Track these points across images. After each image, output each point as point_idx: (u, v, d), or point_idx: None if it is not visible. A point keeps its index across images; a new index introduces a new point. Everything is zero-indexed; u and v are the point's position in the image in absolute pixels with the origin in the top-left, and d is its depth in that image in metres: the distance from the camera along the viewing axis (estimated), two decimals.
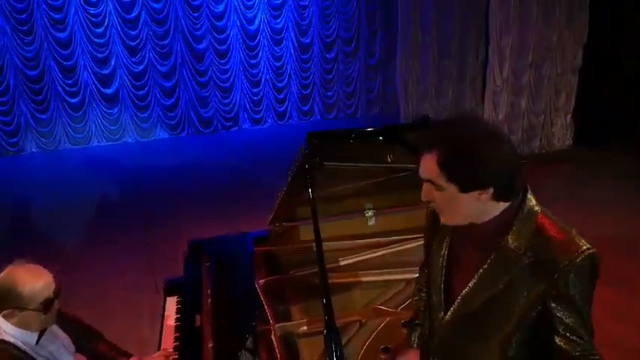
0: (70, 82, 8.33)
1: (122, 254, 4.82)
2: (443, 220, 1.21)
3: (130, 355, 1.98)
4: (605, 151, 6.91)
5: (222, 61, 9.19)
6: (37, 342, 1.69)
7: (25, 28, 7.86)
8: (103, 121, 8.73)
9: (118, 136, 8.87)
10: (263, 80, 9.60)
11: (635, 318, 3.48)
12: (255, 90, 9.59)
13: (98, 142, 8.79)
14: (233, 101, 9.47)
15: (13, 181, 7.31)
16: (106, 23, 8.26)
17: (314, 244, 1.67)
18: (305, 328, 1.93)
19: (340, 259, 2.40)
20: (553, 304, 1.09)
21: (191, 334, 1.89)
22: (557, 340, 1.10)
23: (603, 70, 6.93)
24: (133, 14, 8.38)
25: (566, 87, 7.14)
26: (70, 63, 8.25)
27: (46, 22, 7.96)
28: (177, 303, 2.28)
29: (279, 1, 9.26)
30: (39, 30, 7.95)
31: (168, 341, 2.05)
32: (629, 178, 6.03)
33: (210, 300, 2.05)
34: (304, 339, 1.90)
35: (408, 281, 2.23)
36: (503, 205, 1.15)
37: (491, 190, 1.11)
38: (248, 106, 9.63)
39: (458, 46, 8.72)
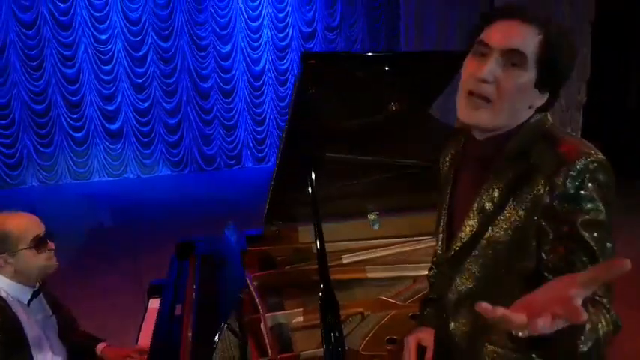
0: (75, 116, 8.38)
1: (115, 288, 4.62)
2: (481, 116, 0.97)
3: (99, 340, 1.88)
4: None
5: (227, 100, 9.28)
6: (29, 303, 1.60)
7: (35, 63, 8.01)
8: (106, 157, 8.70)
9: (119, 172, 8.81)
10: (267, 119, 9.64)
11: None
12: (259, 129, 9.62)
13: (99, 177, 8.72)
14: (237, 140, 9.47)
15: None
16: (114, 60, 8.42)
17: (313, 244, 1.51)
18: (299, 319, 1.72)
19: (343, 256, 2.21)
20: (550, 208, 0.93)
21: (169, 321, 1.68)
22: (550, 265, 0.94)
23: (608, 106, 6.89)
24: (142, 52, 8.55)
25: (572, 123, 7.08)
26: (76, 98, 8.34)
27: (55, 59, 8.11)
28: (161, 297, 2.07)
29: (284, 43, 9.47)
30: (48, 66, 8.09)
31: (146, 334, 1.84)
32: (636, 214, 5.85)
33: (194, 293, 1.85)
34: (298, 332, 1.69)
35: (416, 278, 2.03)
36: (519, 121, 1.02)
37: (546, 97, 0.99)
38: (251, 145, 9.62)
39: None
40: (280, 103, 9.68)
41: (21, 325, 1.55)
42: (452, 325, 1.15)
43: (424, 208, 2.35)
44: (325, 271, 1.33)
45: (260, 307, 1.73)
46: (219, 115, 9.27)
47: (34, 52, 7.98)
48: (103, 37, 8.29)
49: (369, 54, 1.34)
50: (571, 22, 6.46)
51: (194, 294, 1.81)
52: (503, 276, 1.02)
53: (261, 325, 1.63)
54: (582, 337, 0.81)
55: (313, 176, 1.60)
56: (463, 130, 1.16)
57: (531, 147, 0.98)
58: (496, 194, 1.01)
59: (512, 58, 0.95)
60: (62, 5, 7.98)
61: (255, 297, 1.78)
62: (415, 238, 2.34)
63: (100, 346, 1.86)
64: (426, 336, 1.26)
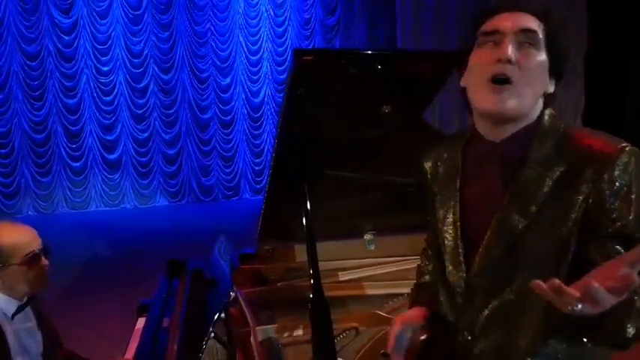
0: (74, 146, 8.42)
1: (107, 317, 4.51)
2: (508, 100, 0.93)
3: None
4: None
5: (226, 131, 9.35)
6: (13, 317, 1.52)
7: (37, 94, 8.12)
8: (104, 186, 8.69)
9: (117, 202, 8.78)
10: (266, 151, 9.69)
11: None
12: (257, 160, 9.65)
13: (96, 206, 8.68)
14: (235, 170, 9.48)
15: None
16: (115, 91, 8.53)
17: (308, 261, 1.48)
18: (290, 333, 1.66)
19: (339, 273, 2.16)
20: (599, 206, 0.90)
21: (155, 333, 1.62)
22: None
23: (607, 105, 6.89)
24: (143, 84, 8.67)
25: (571, 122, 7.12)
26: (76, 128, 8.40)
27: (57, 89, 8.22)
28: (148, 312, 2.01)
29: (283, 77, 9.62)
30: (50, 96, 8.19)
31: (132, 348, 1.77)
32: None
33: (183, 305, 1.80)
34: (290, 347, 1.63)
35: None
36: (535, 114, 1.00)
37: (553, 86, 1.00)
38: (250, 176, 9.63)
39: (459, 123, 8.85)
40: None
41: (4, 338, 1.49)
42: (479, 345, 1.03)
43: (420, 227, 2.32)
44: (317, 275, 1.29)
45: (250, 321, 1.67)
46: (218, 147, 9.32)
47: (36, 82, 8.10)
48: (105, 68, 8.43)
49: (363, 51, 1.35)
50: (569, 22, 6.59)
51: (182, 308, 1.76)
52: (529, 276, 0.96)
53: (251, 339, 1.57)
54: (630, 322, 0.81)
55: (306, 187, 1.59)
56: (463, 133, 1.12)
57: (560, 147, 0.96)
58: (531, 200, 0.95)
59: (527, 37, 0.95)
60: (66, 38, 8.16)
61: (246, 311, 1.73)
62: (411, 257, 2.29)
63: None
64: (417, 314, 1.16)
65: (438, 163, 1.14)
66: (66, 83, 8.28)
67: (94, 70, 8.38)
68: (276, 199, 1.98)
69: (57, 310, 4.53)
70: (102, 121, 8.52)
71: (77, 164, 8.48)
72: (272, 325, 1.67)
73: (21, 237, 1.53)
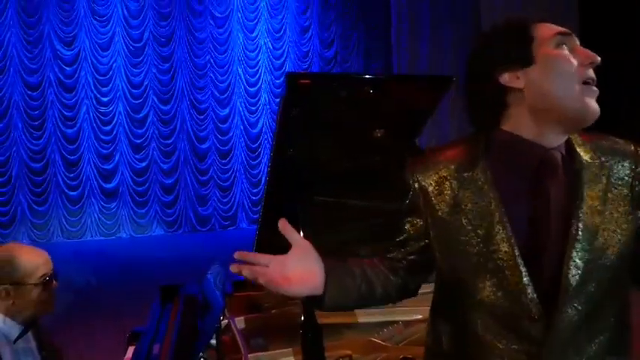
0: (71, 175, 8.43)
1: (106, 342, 4.45)
2: (596, 105, 0.92)
3: None
4: None
5: (223, 161, 9.39)
6: (15, 341, 1.52)
7: (37, 123, 8.19)
8: (100, 216, 8.65)
9: (113, 231, 8.73)
10: (263, 181, 9.69)
11: None
12: (255, 190, 9.66)
13: (92, 236, 8.63)
14: (232, 200, 9.48)
15: None
16: (114, 122, 8.61)
17: None
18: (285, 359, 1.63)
19: None
20: None
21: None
22: None
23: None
24: (142, 114, 8.77)
25: None
26: (74, 157, 8.44)
27: (57, 119, 8.30)
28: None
29: None
30: (49, 125, 8.26)
31: None
32: None
33: (174, 332, 1.77)
34: None
35: (407, 323, 1.95)
36: None
37: None
38: (247, 206, 9.61)
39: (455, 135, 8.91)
40: None
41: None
42: None
43: None
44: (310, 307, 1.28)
45: (242, 348, 1.65)
46: (216, 176, 9.34)
47: (36, 112, 8.18)
48: (105, 99, 8.54)
49: (355, 75, 1.38)
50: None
51: (173, 335, 1.73)
52: (609, 295, 0.94)
53: None
54: None
55: (299, 212, 1.59)
56: (464, 145, 1.03)
57: (595, 147, 0.98)
58: (598, 207, 0.93)
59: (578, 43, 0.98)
60: (68, 69, 8.29)
61: (238, 339, 1.70)
62: None
63: None
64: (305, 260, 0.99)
65: (447, 180, 1.00)
66: (66, 113, 8.36)
67: (94, 101, 8.48)
68: (269, 224, 1.98)
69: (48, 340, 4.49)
70: (100, 150, 8.57)
71: (74, 193, 8.48)
72: (264, 353, 1.64)
73: (39, 258, 1.57)
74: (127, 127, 8.71)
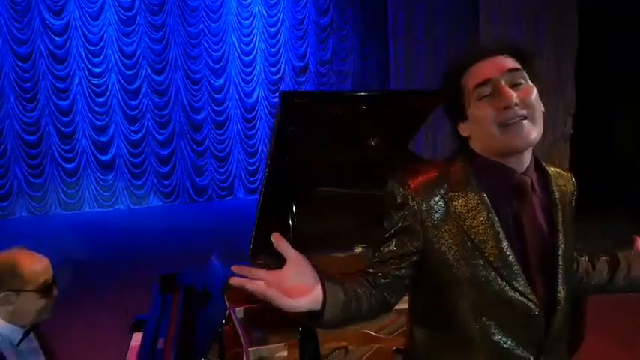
0: (67, 147, 8.41)
1: (105, 318, 4.49)
2: (526, 133, 0.99)
3: None
4: (603, 221, 6.80)
5: (219, 132, 9.36)
6: (18, 344, 1.55)
7: (29, 95, 8.09)
8: (97, 188, 8.69)
9: (110, 203, 8.79)
10: (259, 151, 9.72)
11: None
12: (251, 160, 9.68)
13: (90, 208, 8.69)
14: (229, 171, 9.51)
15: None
16: (108, 93, 8.52)
17: None
18: (282, 353, 1.71)
19: None
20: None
21: (153, 354, 1.67)
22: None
23: (593, 139, 7.03)
24: (135, 85, 8.66)
25: (561, 155, 7.21)
26: (69, 129, 8.39)
27: (49, 91, 8.20)
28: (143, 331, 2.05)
29: (276, 77, 9.64)
30: (42, 97, 8.17)
31: None
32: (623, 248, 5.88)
33: (177, 325, 1.84)
34: None
35: (399, 312, 2.03)
36: None
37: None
38: (243, 176, 9.66)
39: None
40: None
41: None
42: None
43: None
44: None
45: (243, 341, 1.72)
46: (212, 147, 9.34)
47: (28, 84, 8.07)
48: (98, 70, 8.41)
49: (347, 93, 1.39)
50: (555, 57, 6.69)
51: (176, 328, 1.81)
52: (570, 296, 1.11)
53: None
54: None
55: (294, 209, 1.63)
56: (455, 167, 1.08)
57: (552, 173, 1.14)
58: (566, 230, 1.09)
59: (515, 77, 1.02)
60: (58, 39, 8.12)
61: (239, 330, 1.77)
62: None
63: None
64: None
65: (444, 200, 1.05)
66: (58, 85, 8.25)
67: (86, 72, 8.36)
68: (266, 218, 2.03)
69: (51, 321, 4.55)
70: (95, 122, 8.51)
71: (70, 166, 8.48)
72: (264, 346, 1.72)
73: (39, 266, 1.57)
74: (120, 98, 8.62)
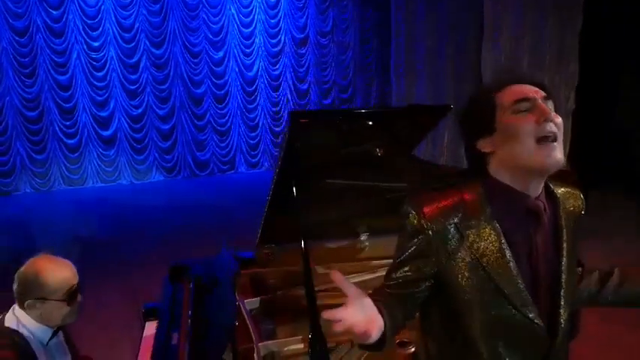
0: (68, 123, 8.39)
1: (110, 297, 4.59)
2: (557, 154, 1.04)
3: None
4: (602, 196, 6.88)
5: (220, 106, 9.32)
6: (47, 343, 1.65)
7: (28, 70, 8.02)
8: (99, 163, 8.72)
9: (113, 178, 8.84)
10: (260, 124, 9.70)
11: None
12: (252, 134, 9.67)
13: (93, 183, 8.75)
14: (230, 145, 9.52)
15: (3, 220, 7.20)
16: (107, 67, 8.44)
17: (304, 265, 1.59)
18: (291, 347, 1.79)
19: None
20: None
21: (167, 350, 1.75)
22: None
23: (597, 113, 7.01)
24: (134, 59, 8.57)
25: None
26: (69, 105, 8.35)
27: (48, 65, 8.12)
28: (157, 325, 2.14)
29: (276, 49, 9.52)
30: (41, 72, 8.10)
31: (144, 355, 1.91)
32: (628, 223, 5.96)
33: (189, 320, 1.92)
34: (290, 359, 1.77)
35: None
36: None
37: None
38: (245, 150, 9.68)
39: (453, 97, 8.90)
40: (273, 108, 9.75)
41: None
42: None
43: None
44: (314, 308, 1.40)
45: (253, 336, 1.80)
46: (213, 121, 9.32)
47: (26, 59, 7.98)
48: (96, 44, 8.30)
49: (353, 110, 1.42)
50: (559, 30, 6.60)
51: (189, 322, 1.88)
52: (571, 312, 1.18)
53: (255, 355, 1.70)
54: None
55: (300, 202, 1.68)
56: (467, 192, 1.12)
57: (561, 194, 1.19)
58: (570, 248, 1.14)
59: (548, 104, 1.08)
60: (55, 12, 7.99)
61: (249, 325, 1.85)
62: None
63: None
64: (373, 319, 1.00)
65: (459, 227, 1.09)
66: (56, 59, 8.16)
67: (84, 46, 8.25)
68: (274, 212, 2.08)
69: None
70: (95, 97, 8.46)
71: (72, 141, 8.48)
72: (274, 341, 1.80)
73: (66, 274, 1.65)
74: (120, 72, 8.55)
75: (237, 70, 9.30)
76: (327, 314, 0.96)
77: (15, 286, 1.62)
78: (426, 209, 1.10)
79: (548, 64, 6.83)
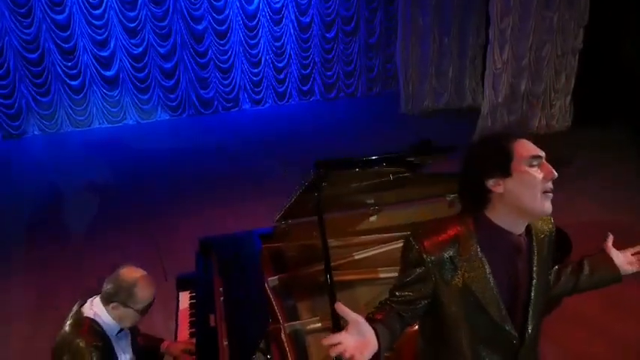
0: (69, 64, 8.32)
1: (125, 241, 4.82)
2: (551, 205, 1.28)
3: (162, 340, 2.24)
4: (604, 133, 6.98)
5: (221, 42, 9.15)
6: (117, 333, 1.92)
7: (23, 10, 7.81)
8: (104, 103, 8.76)
9: (119, 118, 8.91)
10: (263, 61, 9.58)
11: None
12: (255, 70, 9.58)
13: (100, 124, 8.84)
14: (233, 82, 9.47)
15: (15, 164, 7.38)
16: (104, 5, 8.20)
17: (320, 240, 1.79)
18: (314, 326, 2.04)
19: (346, 255, 2.49)
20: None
21: (207, 333, 2.01)
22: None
23: (604, 52, 6.93)
24: None
25: (567, 68, 7.16)
26: (69, 45, 8.23)
27: (44, 4, 7.89)
28: (191, 298, 2.40)
29: None
30: (37, 12, 7.89)
31: (184, 330, 2.20)
32: (629, 160, 6.12)
33: (222, 299, 2.16)
34: (312, 335, 2.02)
35: None
36: None
37: None
38: (248, 87, 9.64)
39: (458, 27, 8.70)
40: (276, 43, 9.57)
41: (114, 350, 1.90)
42: None
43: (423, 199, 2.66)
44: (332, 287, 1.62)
45: (280, 316, 2.05)
46: (215, 58, 9.20)
47: None
48: None
49: (371, 158, 1.52)
50: None
51: (222, 303, 2.12)
52: (540, 321, 1.43)
53: (282, 335, 1.96)
54: None
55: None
56: (463, 230, 1.32)
57: (536, 228, 1.40)
58: (542, 276, 1.39)
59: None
60: None
61: (275, 306, 2.10)
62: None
63: (165, 344, 2.23)
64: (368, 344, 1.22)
65: (453, 258, 1.31)
66: None
67: None
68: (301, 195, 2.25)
69: (75, 238, 4.85)
70: (94, 36, 8.31)
71: (75, 82, 8.46)
72: (298, 322, 2.05)
73: (152, 292, 1.90)
74: (117, 9, 8.32)
75: (237, 4, 9.02)
76: (326, 340, 1.18)
77: (109, 286, 1.85)
78: (426, 243, 1.33)
79: (558, 1, 6.65)
